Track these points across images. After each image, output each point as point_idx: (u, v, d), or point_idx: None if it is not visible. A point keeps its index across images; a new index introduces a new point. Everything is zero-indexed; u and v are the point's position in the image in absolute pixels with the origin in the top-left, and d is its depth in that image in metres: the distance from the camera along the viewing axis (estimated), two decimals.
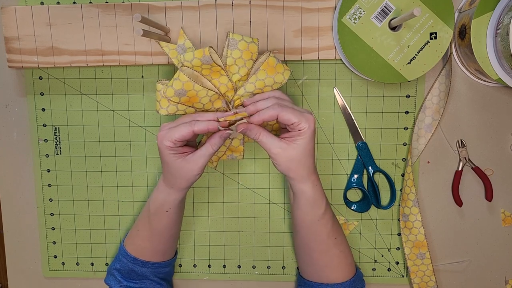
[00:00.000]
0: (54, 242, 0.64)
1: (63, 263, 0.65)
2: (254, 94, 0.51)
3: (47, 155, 0.62)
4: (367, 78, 0.55)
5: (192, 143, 0.54)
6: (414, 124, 0.58)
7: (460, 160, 0.59)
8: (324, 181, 0.60)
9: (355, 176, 0.60)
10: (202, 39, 0.55)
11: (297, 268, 0.63)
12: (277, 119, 0.47)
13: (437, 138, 0.59)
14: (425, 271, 0.61)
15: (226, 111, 0.51)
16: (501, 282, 0.62)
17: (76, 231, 0.64)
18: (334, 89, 0.58)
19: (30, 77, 0.59)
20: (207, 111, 0.51)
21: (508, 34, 0.46)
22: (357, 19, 0.51)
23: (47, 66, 0.57)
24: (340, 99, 0.58)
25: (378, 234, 0.62)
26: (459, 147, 0.59)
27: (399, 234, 0.62)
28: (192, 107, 0.50)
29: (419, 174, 0.60)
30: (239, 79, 0.50)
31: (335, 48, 0.55)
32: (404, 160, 0.59)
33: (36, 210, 0.63)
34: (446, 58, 0.56)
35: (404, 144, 0.59)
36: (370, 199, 0.59)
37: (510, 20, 0.46)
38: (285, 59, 0.55)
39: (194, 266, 0.64)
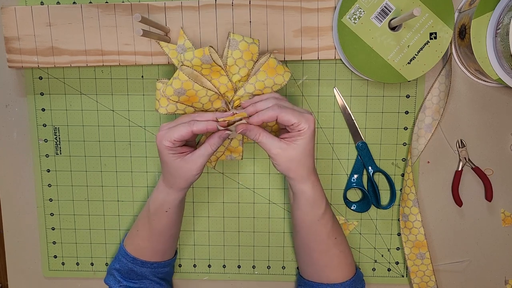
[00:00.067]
0: (54, 242, 0.64)
1: (63, 263, 0.65)
2: (254, 95, 0.51)
3: (47, 155, 0.62)
4: (367, 78, 0.55)
5: (191, 143, 0.54)
6: (414, 124, 0.58)
7: (460, 160, 0.59)
8: (324, 181, 0.60)
9: (355, 176, 0.60)
10: (202, 39, 0.55)
11: (297, 268, 0.63)
12: (276, 120, 0.47)
13: (437, 138, 0.59)
14: (425, 271, 0.61)
15: (226, 111, 0.51)
16: (501, 282, 0.62)
17: (76, 231, 0.64)
18: (334, 89, 0.58)
19: (30, 77, 0.59)
20: (206, 111, 0.51)
21: (508, 34, 0.46)
22: (357, 19, 0.51)
23: (47, 66, 0.57)
24: (340, 99, 0.58)
25: (378, 234, 0.62)
26: (459, 147, 0.59)
27: (399, 234, 0.62)
28: (191, 106, 0.50)
29: (419, 174, 0.60)
30: (239, 80, 0.50)
31: (335, 48, 0.55)
32: (404, 160, 0.59)
33: (36, 210, 0.63)
34: (446, 58, 0.56)
35: (404, 144, 0.59)
36: (370, 199, 0.59)
37: (510, 20, 0.46)
38: (285, 59, 0.55)
39: (194, 266, 0.64)
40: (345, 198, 0.60)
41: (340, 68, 0.57)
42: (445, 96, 0.57)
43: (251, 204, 0.62)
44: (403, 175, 0.60)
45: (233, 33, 0.49)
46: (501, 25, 0.48)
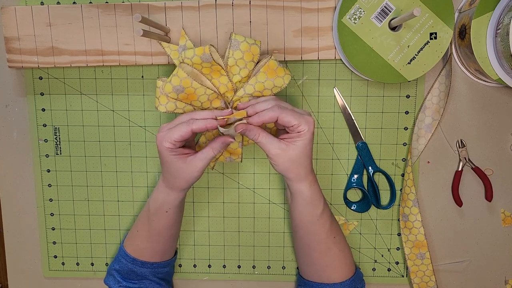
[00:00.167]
0: (54, 242, 0.64)
1: (63, 263, 0.65)
2: (253, 97, 0.51)
3: (47, 155, 0.62)
4: (367, 78, 0.55)
5: (191, 143, 0.54)
6: (414, 124, 0.58)
7: (460, 160, 0.59)
8: (324, 181, 0.60)
9: (355, 176, 0.60)
10: (202, 39, 0.55)
11: (297, 268, 0.63)
12: (276, 120, 0.47)
13: (437, 138, 0.59)
14: (425, 271, 0.61)
15: None
16: (501, 282, 0.62)
17: (76, 231, 0.64)
18: (334, 89, 0.58)
19: (30, 77, 0.59)
20: (205, 109, 0.51)
21: (508, 34, 0.46)
22: (357, 19, 0.50)
23: (47, 66, 0.57)
24: (340, 99, 0.58)
25: (378, 234, 0.62)
26: (459, 147, 0.59)
27: (399, 234, 0.62)
28: (190, 104, 0.50)
29: (419, 174, 0.60)
30: (240, 80, 0.50)
31: (335, 48, 0.55)
32: (404, 160, 0.59)
33: (36, 210, 0.63)
34: (446, 58, 0.56)
35: (404, 144, 0.59)
36: (370, 199, 0.59)
37: (510, 20, 0.46)
38: (285, 59, 0.55)
39: (194, 266, 0.64)
40: (345, 198, 0.60)
41: (340, 68, 0.57)
42: (445, 96, 0.57)
43: (251, 204, 0.62)
44: (403, 175, 0.60)
45: (235, 33, 0.49)
46: (501, 25, 0.48)
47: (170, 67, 0.58)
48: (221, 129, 0.48)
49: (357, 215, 0.61)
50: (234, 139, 0.50)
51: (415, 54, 0.51)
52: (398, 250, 0.62)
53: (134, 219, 0.63)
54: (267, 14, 0.54)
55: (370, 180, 0.59)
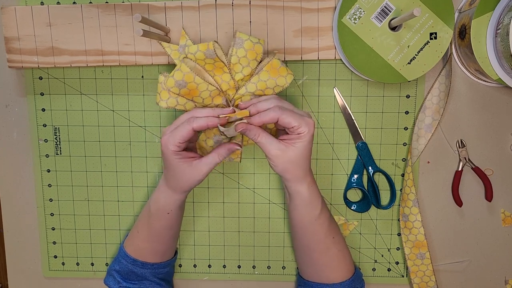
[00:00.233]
0: (54, 242, 0.64)
1: (63, 263, 0.65)
2: (255, 95, 0.51)
3: (47, 155, 0.62)
4: (367, 78, 0.55)
5: (194, 143, 0.54)
6: (414, 124, 0.58)
7: (460, 160, 0.59)
8: (324, 181, 0.60)
9: (355, 176, 0.60)
10: (202, 39, 0.55)
11: (297, 268, 0.63)
12: (277, 121, 0.47)
13: (437, 138, 0.59)
14: (425, 271, 0.61)
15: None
16: (501, 282, 0.62)
17: (76, 231, 0.64)
18: (334, 89, 0.58)
19: (30, 77, 0.59)
20: (206, 106, 0.51)
21: (508, 34, 0.46)
22: (357, 19, 0.50)
23: (47, 66, 0.57)
24: (340, 99, 0.58)
25: (378, 234, 0.62)
26: (459, 147, 0.59)
27: (399, 234, 0.62)
28: (191, 101, 0.50)
29: (419, 174, 0.60)
30: (242, 79, 0.50)
31: (335, 48, 0.55)
32: (404, 160, 0.59)
33: (36, 210, 0.63)
34: (446, 58, 0.56)
35: (404, 144, 0.59)
36: (370, 199, 0.59)
37: (510, 20, 0.46)
38: (285, 59, 0.55)
39: (194, 266, 0.64)
40: (345, 198, 0.60)
41: (340, 68, 0.57)
42: (445, 96, 0.57)
43: (251, 204, 0.62)
44: (403, 175, 0.60)
45: (239, 31, 0.49)
46: (501, 25, 0.48)
47: (170, 67, 0.58)
48: (221, 128, 0.48)
49: (357, 215, 0.61)
50: (241, 147, 0.50)
51: (415, 54, 0.51)
52: (398, 250, 0.62)
53: (134, 219, 0.63)
54: (267, 14, 0.54)
55: (370, 180, 0.59)
